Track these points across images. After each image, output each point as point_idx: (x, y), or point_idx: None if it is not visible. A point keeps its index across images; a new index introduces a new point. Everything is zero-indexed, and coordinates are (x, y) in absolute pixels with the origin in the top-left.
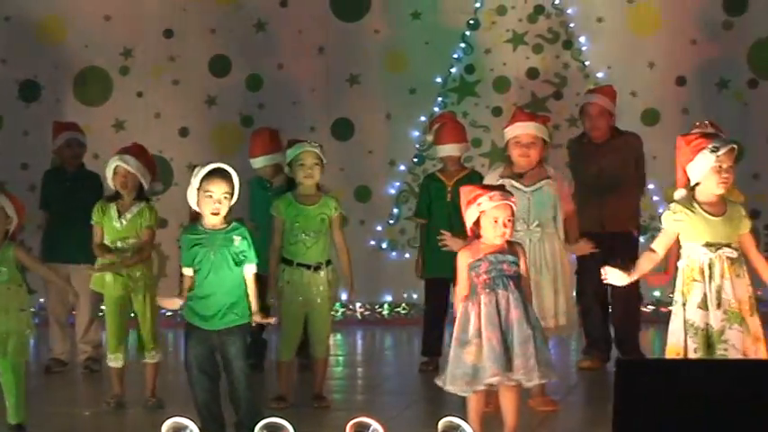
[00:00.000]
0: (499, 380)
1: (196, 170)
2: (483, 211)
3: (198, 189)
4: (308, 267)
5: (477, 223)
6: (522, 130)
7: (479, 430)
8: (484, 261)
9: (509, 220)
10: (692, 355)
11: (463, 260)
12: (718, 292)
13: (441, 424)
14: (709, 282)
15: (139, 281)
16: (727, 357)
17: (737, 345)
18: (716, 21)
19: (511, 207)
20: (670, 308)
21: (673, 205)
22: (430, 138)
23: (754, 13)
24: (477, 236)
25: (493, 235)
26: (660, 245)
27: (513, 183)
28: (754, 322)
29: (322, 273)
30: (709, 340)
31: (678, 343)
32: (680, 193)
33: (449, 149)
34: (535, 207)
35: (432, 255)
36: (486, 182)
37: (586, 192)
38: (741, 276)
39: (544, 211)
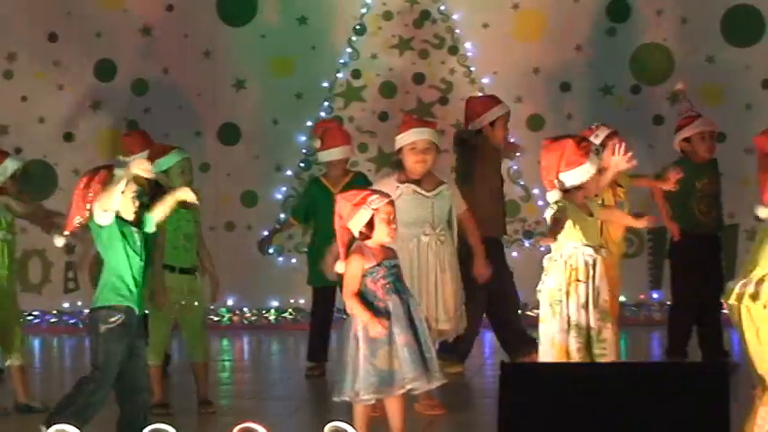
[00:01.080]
0: (419, 384)
1: None
2: (376, 209)
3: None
4: (183, 271)
5: (368, 225)
6: (419, 136)
7: None
8: (381, 267)
9: (394, 219)
10: (574, 355)
11: (357, 267)
12: (598, 293)
13: (327, 429)
14: (592, 282)
15: None
16: (605, 356)
17: (612, 343)
18: (600, 27)
19: (393, 205)
20: None
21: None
22: (317, 143)
23: (636, 20)
24: (366, 238)
25: (386, 233)
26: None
27: (416, 188)
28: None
29: (195, 277)
30: (589, 340)
31: (562, 343)
32: (553, 195)
33: (334, 153)
34: (438, 211)
35: (318, 261)
36: (381, 188)
37: (495, 195)
38: (547, 277)
39: (443, 215)
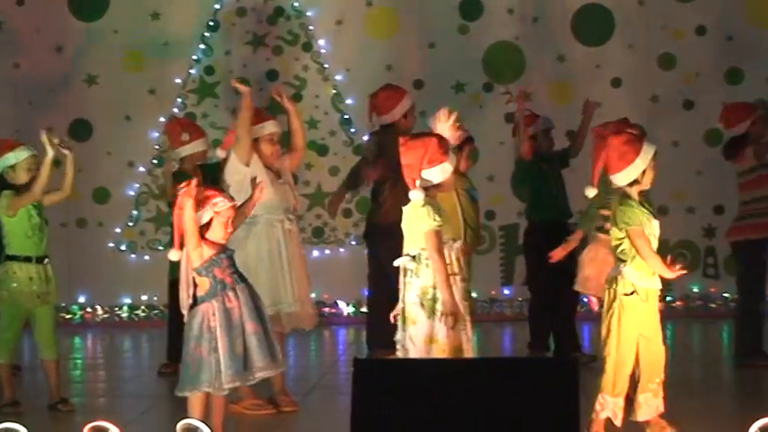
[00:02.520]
0: (269, 372)
1: None
2: (218, 212)
3: None
4: (38, 260)
5: (207, 224)
6: (274, 128)
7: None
8: (224, 257)
9: (232, 222)
10: (466, 347)
11: (196, 262)
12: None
13: (179, 426)
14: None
15: None
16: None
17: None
18: (452, 25)
19: (235, 210)
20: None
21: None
22: (185, 137)
23: (489, 18)
24: (201, 236)
25: (222, 235)
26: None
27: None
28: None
29: (48, 266)
30: None
31: (451, 338)
32: (416, 194)
33: (190, 148)
34: (287, 197)
35: None
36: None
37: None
38: (412, 278)
39: (289, 202)
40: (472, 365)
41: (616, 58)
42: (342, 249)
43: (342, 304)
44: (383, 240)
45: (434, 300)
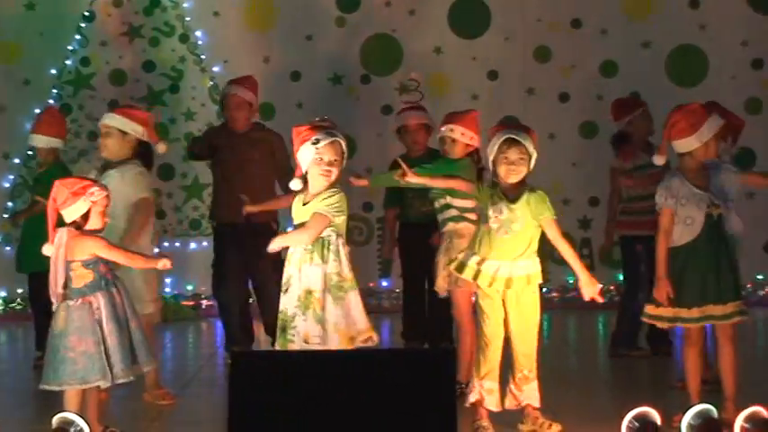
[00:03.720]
0: (149, 367)
1: None
2: (95, 201)
3: None
4: None
5: (85, 216)
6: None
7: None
8: (99, 258)
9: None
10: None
11: (82, 254)
12: (289, 279)
13: (55, 420)
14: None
15: None
16: (293, 342)
17: (302, 332)
18: (329, 17)
19: (110, 199)
20: None
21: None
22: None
23: (366, 11)
24: (78, 227)
25: (100, 225)
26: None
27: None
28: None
29: None
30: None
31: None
32: (296, 183)
33: (36, 140)
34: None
35: (30, 247)
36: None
37: (228, 182)
38: (317, 265)
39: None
40: (349, 357)
41: (492, 51)
42: None
43: None
44: None
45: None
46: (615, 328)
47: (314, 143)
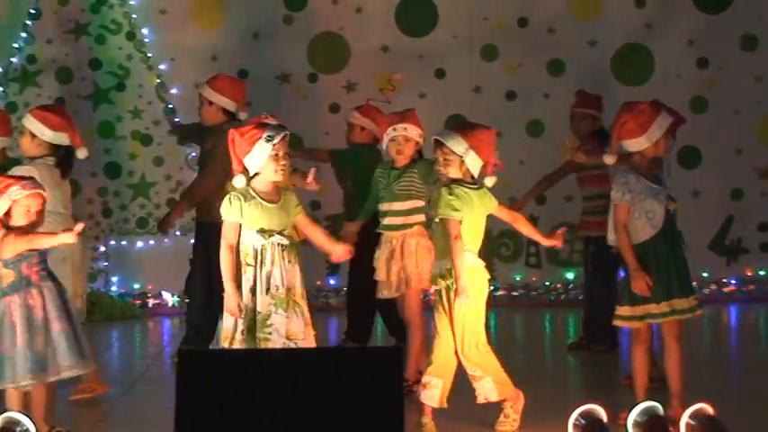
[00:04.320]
0: (77, 371)
1: None
2: (15, 200)
3: None
4: None
5: (8, 214)
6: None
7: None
8: (35, 254)
9: (38, 211)
10: (238, 338)
11: (2, 253)
12: (268, 278)
13: (1, 419)
14: (261, 267)
15: None
16: (269, 341)
17: (281, 329)
18: (277, 15)
19: (42, 196)
20: None
21: (232, 194)
22: None
23: (313, 9)
24: (7, 226)
25: (25, 221)
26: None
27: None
28: (304, 308)
29: None
30: (255, 324)
31: (229, 327)
32: (239, 180)
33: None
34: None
35: None
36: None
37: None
38: (292, 263)
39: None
40: (297, 355)
41: (439, 49)
42: (166, 240)
43: (166, 295)
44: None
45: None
46: (585, 325)
47: (268, 140)
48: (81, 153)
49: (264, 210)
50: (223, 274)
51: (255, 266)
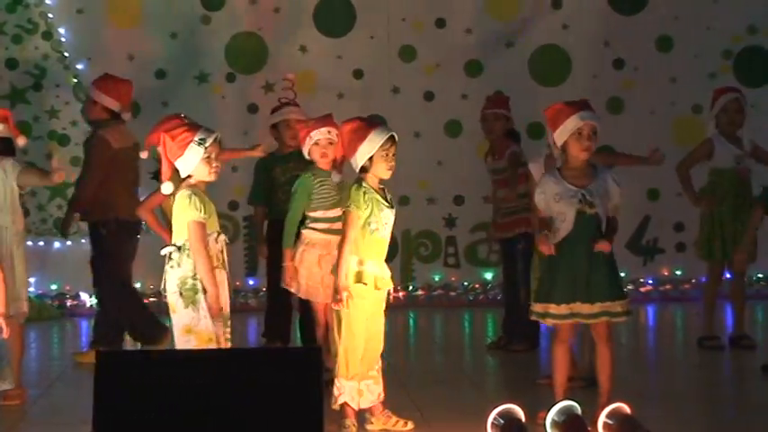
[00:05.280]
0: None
1: None
2: None
3: None
4: None
5: None
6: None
7: None
8: None
9: None
10: (222, 341)
11: None
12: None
13: None
14: (224, 268)
15: None
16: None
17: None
18: (195, 15)
19: None
20: None
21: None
22: None
23: (231, 9)
24: None
25: None
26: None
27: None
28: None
29: None
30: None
31: (207, 330)
32: (167, 188)
33: None
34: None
35: None
36: None
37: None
38: (173, 267)
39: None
40: (217, 357)
41: (357, 50)
42: (83, 240)
43: (84, 296)
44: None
45: (194, 290)
46: (505, 325)
47: (200, 143)
48: (21, 141)
49: (213, 212)
50: (207, 276)
51: (221, 267)
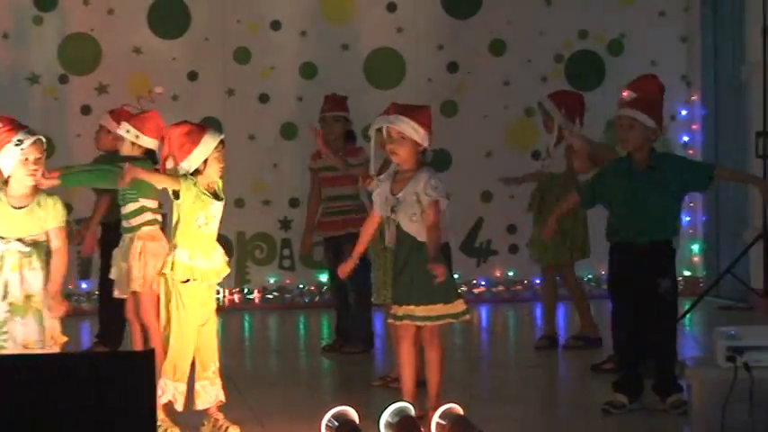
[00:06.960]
0: None
1: None
2: None
3: None
4: None
5: None
6: None
7: None
8: None
9: None
10: None
11: None
12: (6, 285)
13: None
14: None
15: None
16: (4, 348)
17: (18, 337)
18: (27, 16)
19: None
20: None
21: None
22: None
23: (64, 9)
24: None
25: None
26: None
27: None
28: (47, 315)
29: None
30: None
31: None
32: None
33: None
34: None
35: None
36: None
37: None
38: (36, 269)
39: None
40: (43, 361)
41: (192, 51)
42: None
43: None
44: None
45: None
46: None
47: (17, 144)
48: None
49: (7, 215)
50: None
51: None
